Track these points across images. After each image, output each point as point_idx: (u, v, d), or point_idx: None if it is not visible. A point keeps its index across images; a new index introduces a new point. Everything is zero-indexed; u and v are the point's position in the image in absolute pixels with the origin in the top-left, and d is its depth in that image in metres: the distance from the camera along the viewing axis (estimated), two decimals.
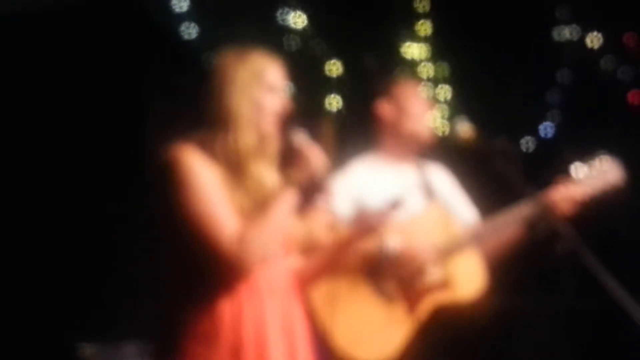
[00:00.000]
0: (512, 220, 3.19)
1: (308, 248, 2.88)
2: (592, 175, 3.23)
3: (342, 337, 3.06)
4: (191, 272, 2.40)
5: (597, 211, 3.21)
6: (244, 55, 2.50)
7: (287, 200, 2.39)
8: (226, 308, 2.37)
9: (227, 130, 2.41)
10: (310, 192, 2.43)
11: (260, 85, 2.46)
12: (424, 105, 3.41)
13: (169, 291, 2.46)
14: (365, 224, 2.57)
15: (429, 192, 3.36)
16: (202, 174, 2.36)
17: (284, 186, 2.41)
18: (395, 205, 2.55)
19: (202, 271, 2.38)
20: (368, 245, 2.90)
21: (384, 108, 3.40)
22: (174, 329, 2.42)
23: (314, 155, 2.41)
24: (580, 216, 3.13)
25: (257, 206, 2.38)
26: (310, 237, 3.03)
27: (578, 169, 3.25)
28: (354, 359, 3.07)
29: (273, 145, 2.47)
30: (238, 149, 2.40)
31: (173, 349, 2.42)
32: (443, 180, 3.46)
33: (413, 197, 3.29)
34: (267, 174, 2.47)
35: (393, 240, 3.05)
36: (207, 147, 2.40)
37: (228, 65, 2.48)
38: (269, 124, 2.46)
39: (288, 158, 2.45)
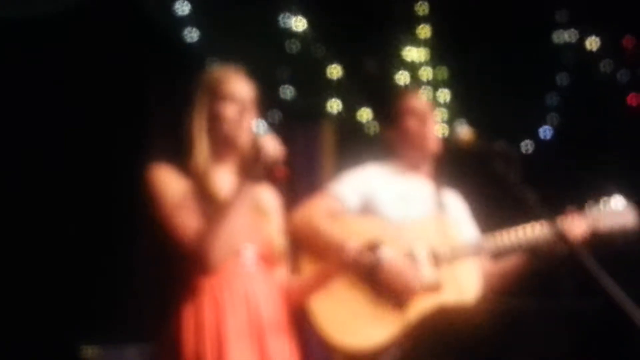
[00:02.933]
0: (516, 242, 3.22)
1: (309, 235, 2.94)
2: (605, 214, 3.24)
3: (329, 325, 3.09)
4: (167, 277, 2.57)
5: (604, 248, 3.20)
6: (204, 74, 2.72)
7: (243, 195, 2.51)
8: (191, 316, 2.51)
9: (191, 146, 2.61)
10: (266, 178, 2.55)
11: (216, 97, 2.64)
12: (423, 121, 3.39)
13: (165, 294, 2.57)
14: (343, 261, 2.65)
15: (440, 207, 3.38)
16: (169, 185, 2.55)
17: (242, 182, 2.53)
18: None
19: (173, 277, 2.54)
20: (361, 256, 2.96)
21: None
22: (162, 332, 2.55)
23: (268, 141, 2.51)
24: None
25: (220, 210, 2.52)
26: (310, 224, 3.09)
27: (592, 205, 3.25)
28: (343, 345, 3.09)
29: (236, 149, 2.62)
30: (197, 162, 2.59)
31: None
32: (456, 202, 3.48)
33: (418, 206, 3.32)
34: (230, 180, 2.61)
35: (385, 252, 3.09)
36: (180, 163, 2.60)
37: (195, 89, 2.68)
38: (229, 130, 2.62)
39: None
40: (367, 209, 3.28)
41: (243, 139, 2.60)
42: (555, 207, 3.15)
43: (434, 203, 3.37)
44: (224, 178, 2.63)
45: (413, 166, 3.41)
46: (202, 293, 2.51)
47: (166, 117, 4.02)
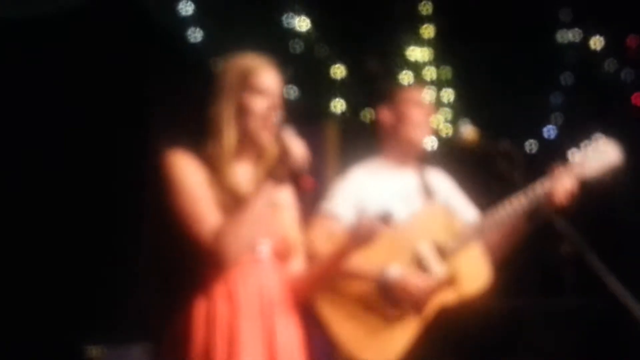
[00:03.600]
0: (513, 212, 3.20)
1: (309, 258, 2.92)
2: (589, 157, 3.23)
3: (348, 340, 3.10)
4: (177, 271, 2.51)
5: (599, 203, 3.21)
6: (234, 60, 2.59)
7: (264, 195, 2.44)
8: (202, 310, 2.46)
9: (213, 135, 2.51)
10: (291, 184, 2.48)
11: (246, 88, 2.53)
12: (424, 112, 3.41)
13: (170, 292, 2.54)
14: (357, 236, 2.59)
15: (430, 195, 3.37)
16: (188, 176, 2.47)
17: (264, 181, 2.46)
18: (385, 219, 2.57)
19: (184, 271, 2.48)
20: (369, 273, 3.03)
21: (384, 114, 3.43)
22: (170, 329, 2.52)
23: (296, 148, 2.44)
24: (581, 206, 3.13)
25: (239, 205, 2.46)
26: (311, 247, 3.07)
27: (575, 154, 3.25)
28: None
29: (260, 145, 2.55)
30: (220, 152, 2.50)
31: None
32: (444, 184, 3.47)
33: (413, 200, 3.32)
34: (249, 174, 2.56)
35: (393, 271, 3.09)
36: (198, 151, 2.51)
37: (221, 71, 2.58)
38: (256, 125, 2.53)
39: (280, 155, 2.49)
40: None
41: (268, 135, 2.53)
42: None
43: (424, 193, 3.37)
44: (243, 172, 2.57)
45: (400, 161, 3.40)
46: (215, 287, 2.47)
47: (168, 117, 4.01)
